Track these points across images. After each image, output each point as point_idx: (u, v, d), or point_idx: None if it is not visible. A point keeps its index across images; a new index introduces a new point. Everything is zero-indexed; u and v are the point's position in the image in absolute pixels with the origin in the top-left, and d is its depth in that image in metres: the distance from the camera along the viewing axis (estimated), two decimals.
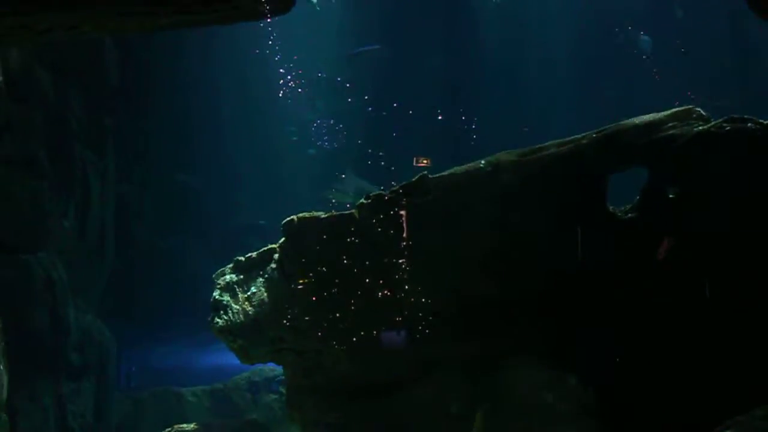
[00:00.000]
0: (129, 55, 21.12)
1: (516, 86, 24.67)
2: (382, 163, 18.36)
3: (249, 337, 12.08)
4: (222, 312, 12.18)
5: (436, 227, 10.98)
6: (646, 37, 24.18)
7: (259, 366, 20.89)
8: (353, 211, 11.40)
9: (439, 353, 11.22)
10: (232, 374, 23.99)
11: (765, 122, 9.78)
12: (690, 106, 10.27)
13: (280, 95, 22.43)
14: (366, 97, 23.23)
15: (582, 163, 10.41)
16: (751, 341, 9.72)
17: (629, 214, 10.46)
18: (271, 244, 12.16)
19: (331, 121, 25.17)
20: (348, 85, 23.74)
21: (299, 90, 22.65)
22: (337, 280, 11.30)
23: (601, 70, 24.25)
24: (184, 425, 17.35)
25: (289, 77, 21.76)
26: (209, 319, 12.41)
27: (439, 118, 22.73)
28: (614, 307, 10.36)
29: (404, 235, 11.04)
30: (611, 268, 10.34)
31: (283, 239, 11.86)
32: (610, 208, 10.54)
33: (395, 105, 22.45)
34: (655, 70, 21.07)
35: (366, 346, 11.32)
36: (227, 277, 12.45)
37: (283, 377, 13.75)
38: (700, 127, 10.00)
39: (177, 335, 26.29)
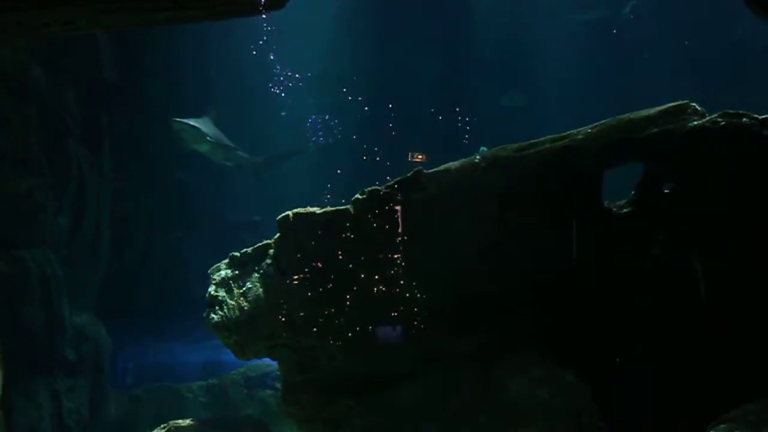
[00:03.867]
0: (124, 51, 21.08)
1: (513, 82, 24.69)
2: (377, 158, 18.38)
3: (244, 332, 12.08)
4: (217, 307, 12.17)
5: (431, 222, 10.99)
6: None
7: (255, 361, 20.91)
8: (348, 206, 11.41)
9: (435, 349, 11.23)
10: (227, 370, 23.97)
11: (760, 117, 9.80)
12: (685, 101, 10.29)
13: (275, 90, 22.39)
14: (361, 94, 23.22)
15: (577, 159, 10.42)
16: (747, 338, 9.75)
17: (624, 210, 10.48)
18: (267, 239, 12.17)
19: (327, 117, 25.16)
20: (343, 80, 23.71)
21: (291, 84, 22.61)
22: (332, 276, 11.32)
23: (599, 66, 24.29)
24: (180, 421, 17.32)
25: (284, 72, 21.74)
26: (204, 314, 12.41)
27: (440, 118, 22.75)
28: (611, 303, 10.39)
29: (399, 230, 11.06)
30: (607, 264, 10.36)
31: (278, 235, 11.86)
32: (606, 203, 10.56)
33: (390, 100, 22.46)
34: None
35: (361, 342, 11.34)
36: (222, 272, 12.44)
37: (279, 372, 13.75)
38: (695, 122, 10.02)
39: (173, 331, 26.26)
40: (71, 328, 18.73)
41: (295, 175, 24.70)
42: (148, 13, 7.24)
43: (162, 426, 16.48)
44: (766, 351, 9.61)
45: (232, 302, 12.06)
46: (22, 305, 17.05)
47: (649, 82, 21.58)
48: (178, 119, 21.05)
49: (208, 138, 21.46)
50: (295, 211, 11.70)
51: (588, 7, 24.81)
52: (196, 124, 21.41)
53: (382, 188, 11.23)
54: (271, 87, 21.89)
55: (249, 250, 12.36)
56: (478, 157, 10.83)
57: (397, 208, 11.05)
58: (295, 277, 11.48)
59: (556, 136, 10.64)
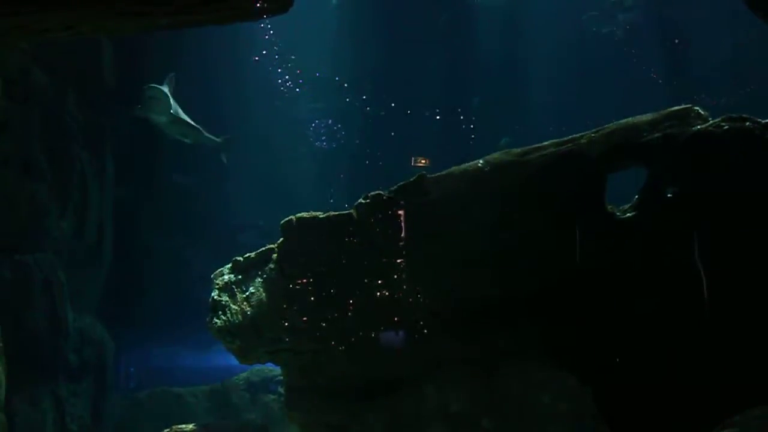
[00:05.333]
0: (126, 55, 21.08)
1: (515, 85, 24.69)
2: (380, 163, 18.39)
3: (247, 337, 12.08)
4: (220, 312, 12.18)
5: (434, 227, 10.98)
6: None
7: (258, 366, 20.89)
8: (351, 211, 11.40)
9: (438, 353, 11.22)
10: (230, 374, 23.96)
11: (763, 121, 9.79)
12: (689, 105, 10.27)
13: (281, 89, 22.38)
14: (364, 97, 23.26)
15: (581, 163, 10.40)
16: (749, 341, 9.72)
17: (628, 214, 10.46)
18: (270, 244, 12.16)
19: (329, 121, 25.17)
20: (346, 84, 23.72)
21: (297, 90, 22.61)
22: (335, 280, 11.31)
23: (600, 71, 24.30)
24: (183, 426, 17.28)
25: (287, 77, 21.77)
26: (208, 319, 12.41)
27: (437, 118, 22.75)
28: (613, 307, 10.36)
29: (403, 235, 11.05)
30: (610, 268, 10.34)
31: (281, 239, 11.86)
32: (609, 207, 10.54)
33: (393, 105, 22.50)
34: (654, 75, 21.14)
35: (364, 347, 11.33)
36: (225, 277, 12.45)
37: (282, 377, 13.74)
38: (699, 127, 10.00)
39: (176, 336, 26.26)
40: (74, 333, 18.72)
41: (298, 180, 24.71)
42: (150, 18, 7.22)
43: (165, 430, 16.42)
44: None
45: (235, 307, 12.07)
46: (26, 310, 17.02)
47: (648, 88, 21.64)
48: (154, 85, 19.89)
49: (172, 111, 20.34)
50: (298, 215, 11.70)
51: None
52: (158, 106, 20.13)
53: (385, 193, 11.22)
54: (284, 89, 21.84)
55: (252, 254, 12.37)
56: (481, 161, 10.82)
57: (400, 212, 11.04)
58: (298, 281, 11.48)
59: (559, 140, 10.63)
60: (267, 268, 12.01)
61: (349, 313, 11.27)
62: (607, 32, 25.14)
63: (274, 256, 11.95)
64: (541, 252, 10.55)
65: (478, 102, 24.95)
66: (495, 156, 10.87)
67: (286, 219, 11.75)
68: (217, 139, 22.60)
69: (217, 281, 12.50)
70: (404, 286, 11.05)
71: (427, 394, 11.36)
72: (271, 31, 20.88)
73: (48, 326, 17.65)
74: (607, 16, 25.42)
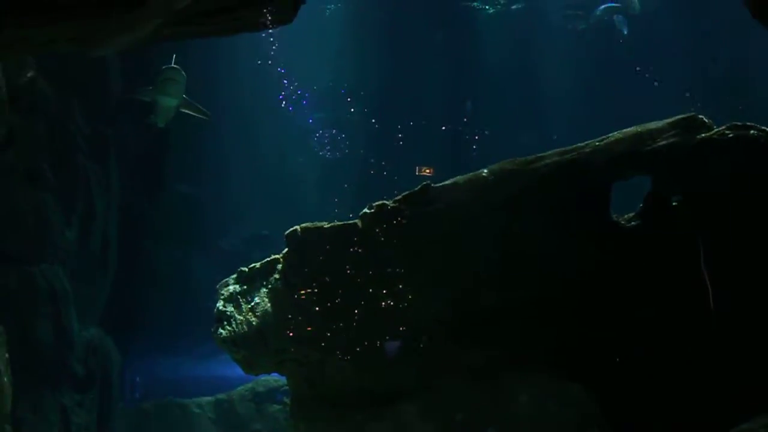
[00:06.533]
0: (131, 65, 21.12)
1: (518, 94, 24.70)
2: (385, 172, 18.36)
3: (252, 347, 12.06)
4: (225, 323, 12.16)
5: (439, 236, 10.97)
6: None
7: (264, 376, 20.88)
8: (356, 220, 11.40)
9: (442, 362, 11.20)
10: (236, 385, 23.97)
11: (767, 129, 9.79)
12: (693, 113, 10.27)
13: (282, 105, 22.38)
14: (366, 110, 23.27)
15: (585, 172, 10.40)
16: (754, 346, 9.71)
17: (632, 222, 10.46)
18: (275, 254, 12.15)
19: (334, 131, 25.17)
20: (349, 99, 23.72)
21: (303, 102, 22.62)
22: (340, 290, 11.29)
23: (602, 78, 24.30)
24: None
25: (291, 87, 21.76)
26: (213, 329, 12.40)
27: (443, 128, 22.75)
28: (618, 315, 10.35)
29: (407, 244, 11.04)
30: (614, 276, 10.33)
31: (286, 249, 11.85)
32: (614, 216, 10.54)
33: (397, 114, 22.49)
34: (655, 81, 21.06)
35: (369, 356, 11.31)
36: (231, 287, 12.43)
37: (287, 387, 13.73)
38: (703, 135, 9.99)
39: (181, 346, 26.29)
40: (80, 343, 18.75)
41: (303, 190, 24.73)
42: (153, 29, 7.22)
43: None
44: None
45: (241, 317, 12.05)
46: (32, 320, 17.07)
47: (652, 95, 21.62)
48: (173, 66, 19.31)
49: (184, 96, 19.94)
50: (303, 225, 11.69)
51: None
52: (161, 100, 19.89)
53: (389, 202, 11.21)
54: (284, 101, 21.86)
55: (257, 264, 12.35)
56: (485, 170, 10.82)
57: (405, 222, 11.03)
58: (303, 291, 11.46)
59: (563, 149, 10.63)
60: (272, 278, 12.00)
61: (354, 323, 11.25)
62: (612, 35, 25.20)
63: (279, 266, 11.94)
64: (546, 260, 10.54)
65: (471, 106, 24.99)
66: (499, 165, 10.87)
67: (291, 229, 11.74)
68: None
69: (223, 292, 12.49)
70: (409, 296, 11.04)
71: (432, 403, 11.33)
72: (276, 43, 20.92)
73: (53, 336, 17.68)
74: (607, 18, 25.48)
